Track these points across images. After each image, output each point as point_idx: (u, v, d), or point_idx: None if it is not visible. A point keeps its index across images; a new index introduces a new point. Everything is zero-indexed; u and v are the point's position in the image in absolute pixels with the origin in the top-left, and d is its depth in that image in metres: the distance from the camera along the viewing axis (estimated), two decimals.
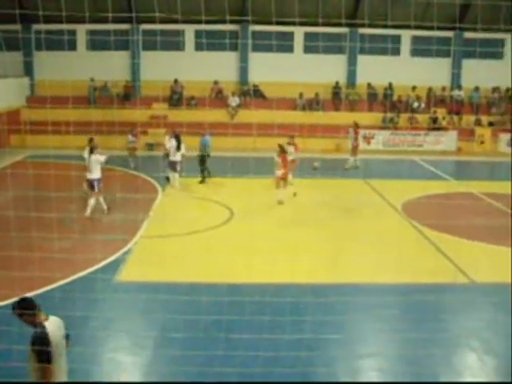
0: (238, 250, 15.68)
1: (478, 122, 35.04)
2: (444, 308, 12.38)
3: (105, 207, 18.60)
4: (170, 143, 22.75)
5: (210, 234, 17.18)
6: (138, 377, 9.71)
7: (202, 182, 24.07)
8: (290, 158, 21.62)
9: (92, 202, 18.28)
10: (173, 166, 22.58)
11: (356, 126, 28.26)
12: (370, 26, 30.90)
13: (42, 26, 31.65)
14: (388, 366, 10.10)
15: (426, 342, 10.54)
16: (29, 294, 12.00)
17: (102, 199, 18.55)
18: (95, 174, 18.37)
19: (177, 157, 22.42)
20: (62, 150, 24.68)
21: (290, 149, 22.19)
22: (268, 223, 18.36)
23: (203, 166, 24.20)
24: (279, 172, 21.07)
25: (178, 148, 22.45)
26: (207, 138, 24.40)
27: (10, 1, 27.17)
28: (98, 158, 18.45)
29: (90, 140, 19.99)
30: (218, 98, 35.43)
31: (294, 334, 10.61)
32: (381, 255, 15.36)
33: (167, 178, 23.11)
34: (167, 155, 22.97)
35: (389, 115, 34.81)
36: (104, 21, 26.97)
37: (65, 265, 13.42)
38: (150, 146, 31.13)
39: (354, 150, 27.98)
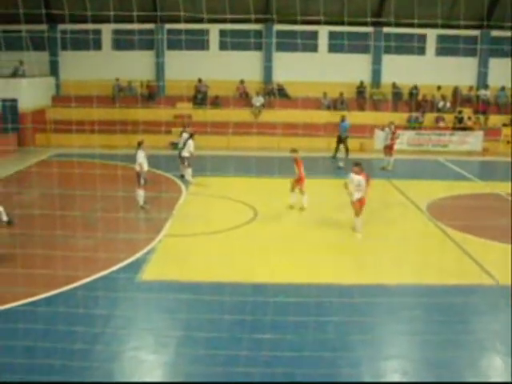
0: (262, 249, 15.62)
1: (505, 122, 34.59)
2: (469, 310, 12.23)
3: (5, 219, 16.30)
4: (182, 138, 23.87)
5: (234, 234, 17.13)
6: (160, 376, 9.69)
7: (333, 157, 29.30)
8: (356, 195, 16.83)
9: None
10: (183, 161, 23.60)
11: (394, 126, 27.90)
12: (395, 25, 30.59)
13: (68, 26, 31.84)
14: (412, 368, 9.97)
15: (450, 344, 10.42)
16: (52, 292, 12.20)
17: (1, 208, 16.41)
18: None
19: (184, 153, 22.91)
20: (87, 148, 24.82)
21: (358, 179, 16.86)
22: (292, 223, 18.30)
23: (339, 145, 29.25)
24: (358, 195, 16.89)
25: (184, 144, 23.32)
26: (346, 122, 29.03)
27: (36, 1, 27.38)
28: None
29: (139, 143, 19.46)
30: (242, 97, 35.41)
31: (318, 334, 10.54)
32: (405, 256, 15.23)
33: (182, 176, 23.84)
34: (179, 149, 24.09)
35: (414, 115, 34.51)
36: (129, 20, 27.11)
37: (88, 263, 13.47)
38: (174, 145, 31.17)
39: (390, 149, 27.69)
